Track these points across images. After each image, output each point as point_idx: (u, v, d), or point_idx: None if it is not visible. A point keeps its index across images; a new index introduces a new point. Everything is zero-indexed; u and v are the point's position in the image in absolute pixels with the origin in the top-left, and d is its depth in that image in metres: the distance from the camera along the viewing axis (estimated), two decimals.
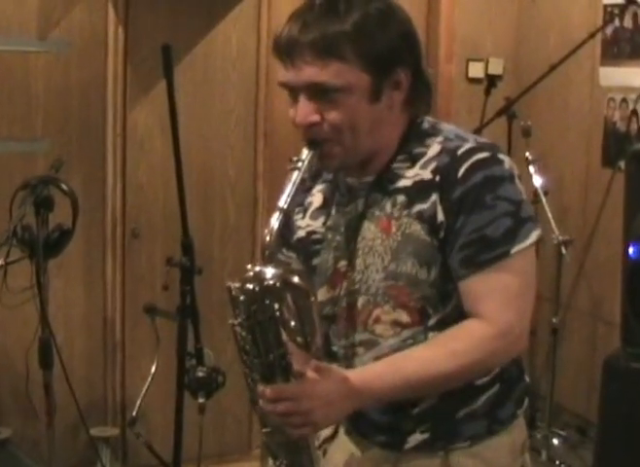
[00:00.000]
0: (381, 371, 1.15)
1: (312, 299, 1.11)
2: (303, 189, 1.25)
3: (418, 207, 1.18)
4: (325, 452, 1.29)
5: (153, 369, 2.27)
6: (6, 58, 2.53)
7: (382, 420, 1.22)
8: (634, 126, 2.78)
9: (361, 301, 1.22)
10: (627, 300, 2.29)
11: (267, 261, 1.09)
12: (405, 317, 1.19)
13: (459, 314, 1.18)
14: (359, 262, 1.21)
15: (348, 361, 1.24)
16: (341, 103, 1.14)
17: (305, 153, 1.15)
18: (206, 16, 2.75)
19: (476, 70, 3.14)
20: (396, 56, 1.16)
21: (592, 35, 2.73)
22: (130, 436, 2.62)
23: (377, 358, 1.20)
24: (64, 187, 2.06)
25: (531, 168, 2.77)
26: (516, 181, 1.18)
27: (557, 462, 2.79)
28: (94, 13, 2.60)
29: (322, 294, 1.25)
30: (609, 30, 2.83)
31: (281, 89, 1.20)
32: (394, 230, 1.19)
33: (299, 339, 1.10)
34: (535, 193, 2.75)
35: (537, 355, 3.14)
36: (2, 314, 2.42)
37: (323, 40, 1.12)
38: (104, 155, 2.67)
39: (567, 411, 3.04)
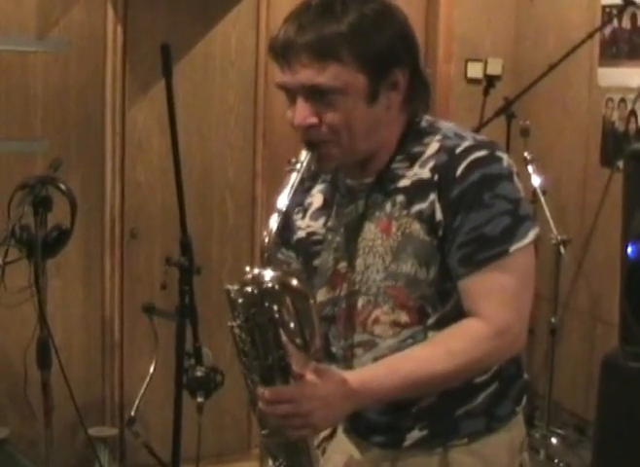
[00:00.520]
0: (380, 372, 1.15)
1: (311, 301, 1.10)
2: (303, 189, 1.25)
3: (418, 207, 1.18)
4: (324, 451, 1.30)
5: (151, 368, 2.27)
6: (4, 58, 2.53)
7: (381, 421, 1.22)
8: (633, 126, 2.78)
9: (361, 301, 1.22)
10: (626, 299, 2.29)
11: (266, 263, 1.09)
12: (404, 317, 1.19)
13: (458, 313, 1.18)
14: (359, 262, 1.21)
15: (347, 362, 1.24)
16: (339, 105, 1.14)
17: (304, 154, 1.15)
18: (205, 15, 2.75)
19: (474, 70, 3.14)
20: (393, 57, 1.16)
21: (591, 35, 2.74)
22: (129, 436, 2.62)
23: (376, 359, 1.20)
24: (63, 187, 2.06)
25: (530, 168, 2.77)
26: (515, 179, 1.18)
27: (556, 461, 2.79)
28: (93, 12, 2.60)
29: (322, 295, 1.25)
30: (607, 31, 2.83)
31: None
32: (394, 230, 1.19)
33: (298, 340, 1.10)
34: (534, 192, 2.75)
35: (536, 354, 3.15)
36: (0, 314, 2.42)
37: (319, 41, 1.11)
38: (103, 154, 2.67)
39: (566, 409, 3.04)
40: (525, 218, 1.17)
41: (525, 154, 2.79)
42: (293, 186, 1.13)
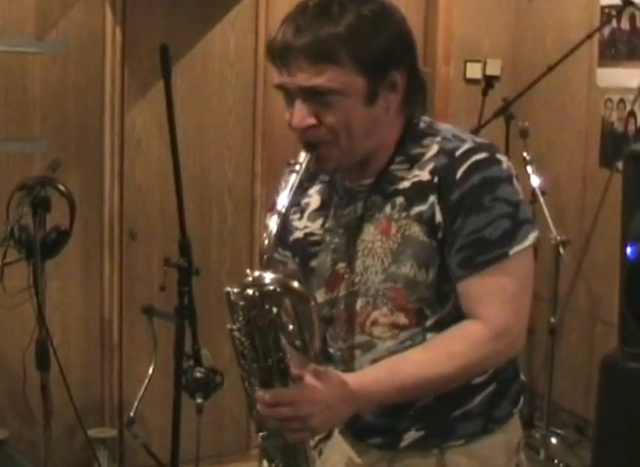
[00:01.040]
0: (379, 374, 1.15)
1: (312, 303, 1.10)
2: (300, 189, 1.24)
3: (417, 209, 1.17)
4: (320, 452, 1.29)
5: (150, 370, 2.27)
6: (3, 59, 2.52)
7: (378, 423, 1.22)
8: (632, 127, 2.78)
9: (359, 303, 1.22)
10: (625, 299, 2.29)
11: (266, 265, 1.09)
12: (402, 319, 1.19)
13: (457, 315, 1.18)
14: (358, 264, 1.21)
15: (345, 363, 1.23)
16: (337, 106, 1.14)
17: (303, 156, 1.15)
18: (204, 16, 2.75)
19: (473, 71, 3.15)
20: (391, 58, 1.15)
21: (590, 36, 2.74)
22: (128, 437, 2.62)
23: (375, 360, 1.20)
24: (61, 188, 2.06)
25: (529, 169, 2.77)
26: (515, 182, 1.18)
27: (556, 461, 2.79)
28: (92, 13, 2.60)
29: (320, 296, 1.25)
30: (606, 31, 2.83)
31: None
32: (394, 231, 1.18)
33: (297, 343, 1.10)
34: (533, 193, 2.75)
35: (535, 355, 3.15)
36: None
37: (317, 44, 1.11)
38: (102, 155, 2.67)
39: (565, 410, 3.04)
40: (525, 221, 1.17)
41: (524, 154, 2.79)
42: (292, 187, 1.13)
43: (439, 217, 1.16)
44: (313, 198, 1.29)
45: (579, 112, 2.98)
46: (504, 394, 1.24)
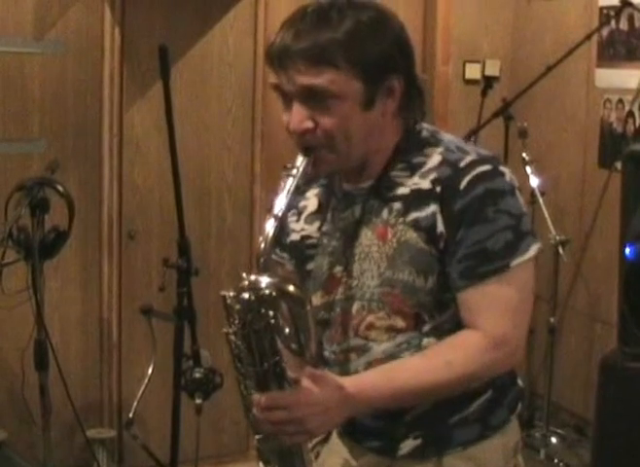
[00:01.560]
0: (376, 379, 1.15)
1: (308, 307, 1.11)
2: (298, 192, 1.24)
3: (414, 215, 1.18)
4: (317, 455, 1.29)
5: (149, 370, 2.27)
6: (2, 59, 2.52)
7: (375, 426, 1.22)
8: (630, 127, 2.78)
9: (355, 306, 1.22)
10: (624, 299, 2.29)
11: (262, 268, 1.09)
12: (400, 322, 1.19)
13: (455, 323, 1.18)
14: (355, 267, 1.21)
15: (341, 366, 1.23)
16: (335, 110, 1.14)
17: (300, 159, 1.15)
18: (203, 17, 2.75)
19: (472, 72, 3.15)
20: (389, 64, 1.16)
21: (588, 37, 2.74)
22: (127, 438, 2.62)
23: (370, 363, 1.20)
24: (60, 188, 2.06)
25: (528, 169, 2.77)
26: (517, 194, 1.18)
27: (556, 461, 2.80)
28: (91, 13, 2.60)
29: (316, 299, 1.25)
30: (605, 32, 2.84)
31: None
32: (390, 237, 1.19)
33: (293, 346, 1.10)
34: (532, 193, 2.76)
35: (535, 354, 3.15)
36: None
37: (315, 48, 1.11)
38: (100, 156, 2.67)
39: (565, 409, 3.05)
40: (527, 233, 1.17)
41: (523, 155, 2.79)
42: (289, 191, 1.13)
43: (441, 227, 1.16)
44: (311, 201, 1.29)
45: (578, 112, 2.99)
46: (501, 401, 1.24)
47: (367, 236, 1.21)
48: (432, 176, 1.18)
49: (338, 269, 1.23)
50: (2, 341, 2.56)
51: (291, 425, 1.08)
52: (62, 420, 2.46)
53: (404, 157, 1.21)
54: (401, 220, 1.18)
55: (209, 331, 2.45)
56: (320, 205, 1.27)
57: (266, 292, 1.07)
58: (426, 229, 1.17)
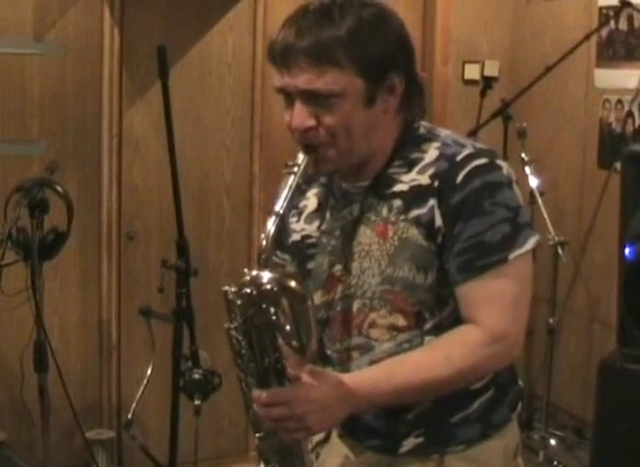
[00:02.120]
0: (376, 375, 1.15)
1: (309, 303, 1.10)
2: (298, 192, 1.25)
3: (416, 212, 1.18)
4: (318, 456, 1.29)
5: (148, 371, 2.27)
6: (1, 60, 2.52)
7: (377, 424, 1.22)
8: (630, 128, 2.78)
9: (356, 305, 1.22)
10: (624, 300, 2.29)
11: (264, 265, 1.09)
12: (401, 321, 1.19)
13: (456, 319, 1.18)
14: (355, 266, 1.21)
15: (343, 365, 1.23)
16: (336, 108, 1.14)
17: (301, 157, 1.16)
18: (202, 18, 2.75)
19: (472, 72, 3.15)
20: (390, 62, 1.16)
21: (588, 37, 2.74)
22: (126, 439, 2.62)
23: (372, 362, 1.20)
24: (59, 189, 2.06)
25: (527, 169, 2.77)
26: (514, 187, 1.18)
27: (555, 462, 2.79)
28: (90, 14, 2.60)
29: (316, 298, 1.25)
30: (604, 32, 2.84)
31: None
32: (391, 234, 1.19)
33: (294, 343, 1.10)
34: (531, 194, 2.75)
35: (534, 356, 3.15)
36: None
37: (317, 46, 1.12)
38: (100, 157, 2.67)
39: (564, 411, 3.04)
40: (525, 226, 1.17)
41: (523, 155, 2.79)
42: (290, 189, 1.13)
43: (438, 221, 1.16)
44: (310, 201, 1.29)
45: (577, 113, 2.99)
46: (502, 399, 1.24)
47: (366, 235, 1.21)
48: (430, 171, 1.18)
49: (338, 267, 1.23)
50: (1, 342, 2.56)
51: (291, 421, 1.08)
52: (61, 421, 2.45)
53: (401, 153, 1.21)
54: (402, 217, 1.18)
55: (208, 332, 2.46)
56: (320, 205, 1.28)
57: (268, 287, 1.07)
58: (426, 224, 1.17)
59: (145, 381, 2.28)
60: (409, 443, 1.21)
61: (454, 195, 1.15)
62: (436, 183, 1.17)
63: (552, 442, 2.88)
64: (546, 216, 2.72)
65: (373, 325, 1.21)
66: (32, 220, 1.98)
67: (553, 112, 3.08)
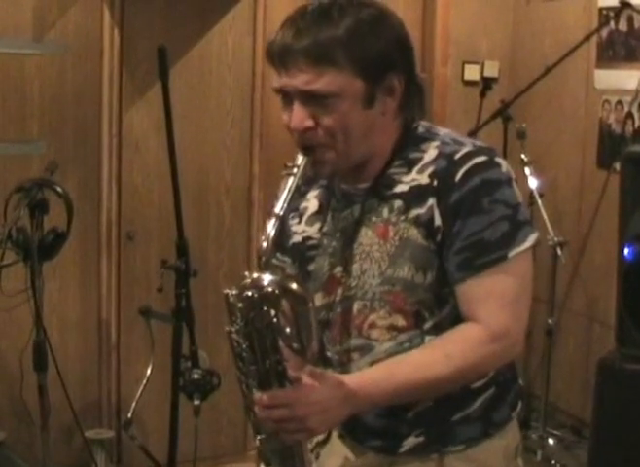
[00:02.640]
0: (377, 376, 1.15)
1: (310, 305, 1.10)
2: (298, 193, 1.24)
3: (416, 212, 1.18)
4: (317, 456, 1.29)
5: (148, 371, 2.27)
6: (1, 60, 2.52)
7: (377, 425, 1.22)
8: (629, 128, 2.78)
9: (356, 306, 1.22)
10: (622, 301, 2.29)
11: (263, 267, 1.09)
12: (401, 321, 1.19)
13: (455, 318, 1.18)
14: (355, 267, 1.21)
15: (343, 367, 1.23)
16: (335, 109, 1.14)
17: (300, 158, 1.15)
18: (202, 18, 2.75)
19: (471, 73, 3.15)
20: (389, 62, 1.16)
21: (588, 38, 2.74)
22: (125, 438, 2.62)
23: (373, 363, 1.20)
24: (59, 189, 2.06)
25: (527, 170, 2.78)
26: (514, 185, 1.18)
27: (553, 462, 2.80)
28: (90, 15, 2.60)
29: (317, 300, 1.24)
30: (604, 33, 2.84)
31: None
32: (391, 235, 1.18)
33: (295, 345, 1.10)
34: (530, 194, 2.76)
35: (532, 356, 3.15)
36: None
37: (316, 46, 1.12)
38: (99, 157, 2.67)
39: (562, 411, 3.05)
40: (524, 223, 1.17)
41: (522, 156, 2.79)
42: (290, 190, 1.13)
43: (438, 220, 1.16)
44: (311, 203, 1.29)
45: (577, 113, 2.99)
46: (503, 398, 1.24)
47: (367, 236, 1.21)
48: (429, 170, 1.18)
49: (338, 269, 1.23)
50: (1, 342, 2.56)
51: (292, 423, 1.08)
52: (61, 421, 2.46)
53: (401, 154, 1.21)
54: (402, 217, 1.18)
55: (207, 332, 2.46)
56: (320, 206, 1.27)
57: (269, 289, 1.07)
58: (425, 223, 1.17)
59: (144, 381, 2.28)
60: (410, 442, 1.21)
61: (453, 193, 1.15)
62: (435, 182, 1.17)
63: (551, 441, 2.88)
64: (545, 217, 2.72)
65: (372, 326, 1.21)
66: (32, 220, 1.98)
67: (553, 113, 3.08)
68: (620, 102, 2.81)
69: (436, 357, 1.15)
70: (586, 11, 2.91)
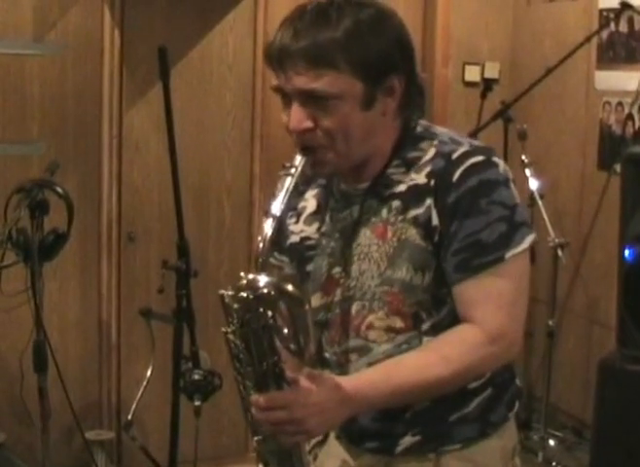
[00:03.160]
0: (374, 378, 1.15)
1: (307, 306, 1.10)
2: (296, 193, 1.24)
3: (414, 212, 1.17)
4: (315, 457, 1.29)
5: (148, 372, 2.27)
6: (1, 61, 2.52)
7: (374, 427, 1.22)
8: (630, 130, 2.78)
9: (355, 307, 1.22)
10: (623, 302, 2.29)
11: (261, 268, 1.09)
12: (398, 323, 1.19)
13: (453, 319, 1.18)
14: (354, 268, 1.21)
15: (341, 368, 1.23)
16: (334, 110, 1.13)
17: (299, 159, 1.15)
18: (203, 18, 2.75)
19: (472, 74, 3.15)
20: (389, 63, 1.15)
21: (588, 39, 2.74)
22: (126, 439, 2.62)
23: (371, 364, 1.20)
24: (59, 190, 2.06)
25: (527, 171, 2.77)
26: (511, 185, 1.18)
27: (554, 463, 2.79)
28: (90, 15, 2.60)
29: (315, 300, 1.24)
30: (604, 34, 2.84)
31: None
32: (390, 235, 1.18)
33: (292, 346, 1.10)
34: (531, 196, 2.76)
35: (533, 357, 3.15)
36: None
37: (314, 48, 1.11)
38: (100, 157, 2.67)
39: (563, 412, 3.04)
40: (521, 224, 1.17)
41: (523, 157, 2.79)
42: (287, 191, 1.12)
43: (435, 220, 1.16)
44: (309, 202, 1.28)
45: (577, 115, 2.99)
46: (500, 398, 1.24)
47: (365, 236, 1.20)
48: (427, 170, 1.18)
49: (337, 269, 1.23)
50: (1, 343, 2.56)
51: (290, 425, 1.08)
52: (61, 422, 2.46)
53: (400, 154, 1.20)
54: (401, 218, 1.18)
55: (208, 333, 2.45)
56: (319, 206, 1.27)
57: (265, 291, 1.06)
58: (423, 224, 1.16)
59: (145, 382, 2.28)
60: (406, 441, 1.21)
61: (450, 193, 1.14)
62: (432, 182, 1.16)
63: (552, 442, 2.87)
64: (546, 218, 2.72)
65: (370, 327, 1.20)
66: (32, 221, 1.98)
67: (554, 114, 3.08)
68: (620, 103, 2.81)
69: (433, 359, 1.14)
70: (587, 12, 2.91)
